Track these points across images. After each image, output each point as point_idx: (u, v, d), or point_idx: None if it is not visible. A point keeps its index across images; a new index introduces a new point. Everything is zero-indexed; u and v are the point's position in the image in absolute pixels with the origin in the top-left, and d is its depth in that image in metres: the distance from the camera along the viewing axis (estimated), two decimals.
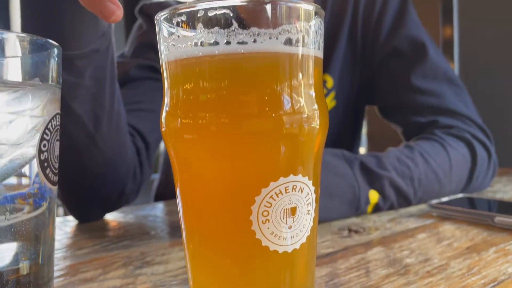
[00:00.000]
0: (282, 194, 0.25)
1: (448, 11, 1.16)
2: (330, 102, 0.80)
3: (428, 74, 0.73)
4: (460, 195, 0.62)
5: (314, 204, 0.27)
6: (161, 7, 0.81)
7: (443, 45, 1.18)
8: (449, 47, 1.15)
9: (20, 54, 0.31)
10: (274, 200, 0.25)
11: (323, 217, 0.52)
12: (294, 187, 0.26)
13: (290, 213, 0.26)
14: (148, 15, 0.77)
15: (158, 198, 0.99)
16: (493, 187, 0.74)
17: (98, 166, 0.54)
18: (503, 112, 1.02)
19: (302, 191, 0.26)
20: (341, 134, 0.83)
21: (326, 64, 0.78)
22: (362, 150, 1.51)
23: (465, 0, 1.09)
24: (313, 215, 0.27)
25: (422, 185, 0.60)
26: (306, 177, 0.26)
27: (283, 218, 0.25)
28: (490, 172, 0.70)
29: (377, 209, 0.57)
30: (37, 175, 0.32)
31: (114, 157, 0.55)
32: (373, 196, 0.56)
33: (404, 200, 0.59)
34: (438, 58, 0.75)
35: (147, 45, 0.74)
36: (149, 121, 0.67)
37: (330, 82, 0.79)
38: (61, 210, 1.23)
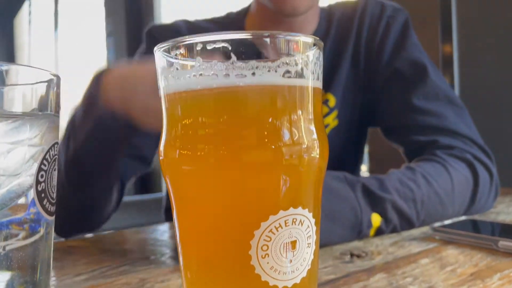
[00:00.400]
0: (282, 228, 0.25)
1: (448, 29, 1.17)
2: (333, 121, 0.81)
3: (429, 95, 0.73)
4: (463, 218, 0.61)
5: (315, 237, 0.27)
6: (170, 30, 0.81)
7: (442, 63, 1.18)
8: (449, 65, 1.16)
9: (20, 84, 0.31)
10: (274, 234, 0.25)
11: (325, 241, 0.51)
12: (294, 220, 0.25)
13: (290, 247, 0.25)
14: (156, 38, 0.79)
15: (168, 211, 0.99)
16: (496, 208, 0.74)
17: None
18: (504, 130, 1.01)
19: (302, 224, 0.26)
20: (343, 153, 0.83)
21: (329, 84, 0.78)
22: (364, 168, 1.50)
23: (464, 18, 1.10)
24: (313, 248, 0.27)
25: (425, 208, 0.59)
26: (306, 209, 0.26)
27: (283, 253, 0.25)
28: (493, 194, 0.69)
29: (379, 232, 0.57)
30: (33, 200, 0.31)
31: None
32: (376, 219, 0.55)
33: (407, 223, 0.58)
34: (439, 80, 0.75)
35: None
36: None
37: (332, 101, 0.79)
38: None
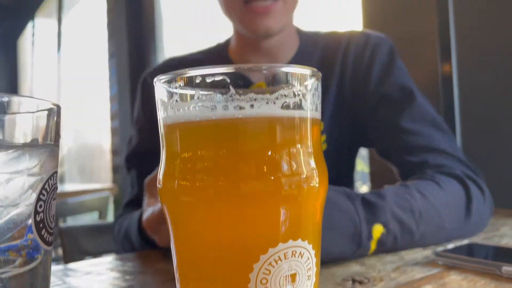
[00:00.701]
0: (281, 261, 0.24)
1: (446, 48, 1.18)
2: (322, 145, 0.83)
3: (416, 117, 0.76)
4: (465, 242, 0.60)
5: (315, 268, 0.27)
6: (162, 72, 0.83)
7: (442, 82, 1.19)
8: (449, 84, 1.17)
9: (20, 112, 0.31)
10: (273, 267, 0.24)
11: (324, 253, 0.50)
12: (294, 252, 0.25)
13: (290, 280, 0.25)
14: (150, 84, 0.86)
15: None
16: (499, 231, 0.73)
17: None
18: (506, 149, 1.01)
19: (302, 256, 0.25)
20: (334, 175, 0.84)
21: None
22: (365, 188, 1.49)
23: (463, 37, 1.11)
24: (314, 280, 0.26)
25: (423, 218, 0.59)
26: (306, 241, 0.26)
27: (283, 286, 0.25)
28: (487, 206, 0.69)
29: (380, 245, 0.56)
30: (30, 226, 0.31)
31: None
32: (377, 230, 0.55)
33: (408, 233, 0.58)
34: (426, 104, 0.78)
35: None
36: None
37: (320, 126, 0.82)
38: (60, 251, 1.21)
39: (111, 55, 2.71)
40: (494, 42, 1.02)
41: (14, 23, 5.37)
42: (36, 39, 4.87)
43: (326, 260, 0.53)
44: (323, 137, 0.82)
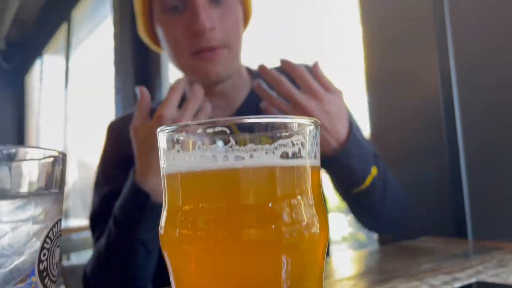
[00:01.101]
0: None
1: (447, 77, 1.19)
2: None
3: None
4: (473, 280, 0.59)
5: None
6: (129, 120, 0.75)
7: (444, 111, 1.19)
8: (451, 114, 1.17)
9: (26, 161, 0.32)
10: None
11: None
12: None
13: None
14: (117, 131, 0.85)
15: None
16: (508, 267, 0.72)
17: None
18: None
19: None
20: None
21: None
22: None
23: (464, 66, 1.12)
24: None
25: (389, 186, 0.74)
26: None
27: None
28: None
29: (371, 184, 0.69)
30: (33, 269, 0.31)
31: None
32: (374, 170, 0.69)
33: (383, 189, 0.71)
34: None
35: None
36: None
37: None
38: None
39: (117, 91, 2.77)
40: (496, 68, 1.03)
41: (23, 60, 5.52)
42: (44, 76, 4.99)
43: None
44: None
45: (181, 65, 0.78)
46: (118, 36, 2.84)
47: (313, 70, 0.69)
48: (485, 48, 1.04)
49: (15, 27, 5.40)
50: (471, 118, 1.09)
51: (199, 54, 0.73)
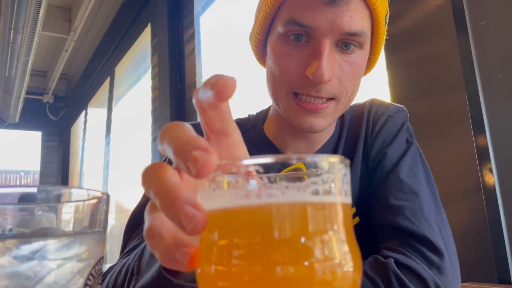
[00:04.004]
0: None
1: (479, 122, 1.17)
2: (353, 226, 0.79)
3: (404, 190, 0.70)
4: None
5: None
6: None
7: (478, 155, 1.17)
8: (486, 157, 1.14)
9: (72, 203, 0.34)
10: None
11: None
12: None
13: None
14: None
15: None
16: None
17: None
18: None
19: None
20: (370, 246, 0.79)
21: None
22: None
23: (494, 112, 1.10)
24: None
25: None
26: None
27: None
28: None
29: None
30: None
31: None
32: None
33: None
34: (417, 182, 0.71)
35: None
36: None
37: None
38: None
39: (154, 139, 2.88)
40: None
41: (70, 112, 5.88)
42: (88, 126, 5.27)
43: None
44: (353, 210, 0.79)
45: (277, 101, 0.72)
46: (155, 89, 3.00)
47: None
48: None
49: (62, 82, 5.82)
50: (507, 160, 1.05)
51: (301, 99, 0.66)
